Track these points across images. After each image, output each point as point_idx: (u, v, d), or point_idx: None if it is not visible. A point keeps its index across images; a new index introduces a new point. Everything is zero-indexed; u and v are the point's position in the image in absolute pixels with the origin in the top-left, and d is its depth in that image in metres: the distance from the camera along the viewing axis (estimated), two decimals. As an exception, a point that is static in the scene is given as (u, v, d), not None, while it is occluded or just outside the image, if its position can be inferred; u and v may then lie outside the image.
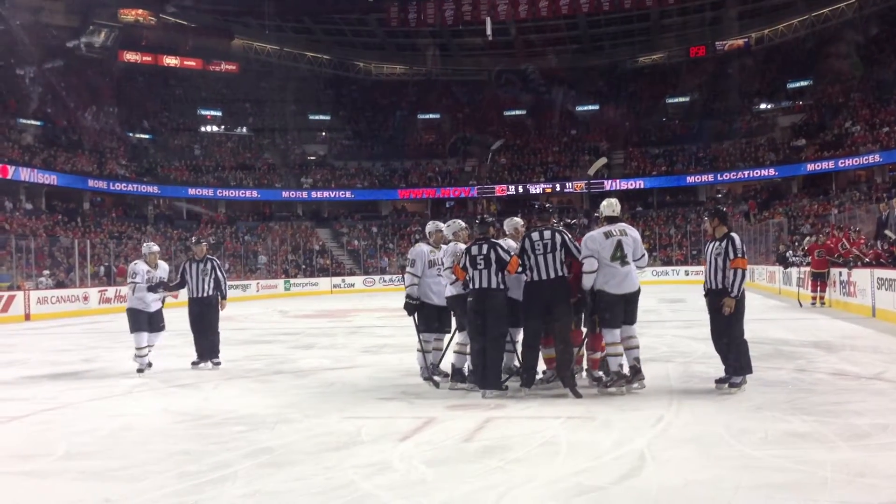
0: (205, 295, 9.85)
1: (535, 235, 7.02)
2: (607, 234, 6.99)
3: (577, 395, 6.80)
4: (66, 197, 40.85)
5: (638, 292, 7.09)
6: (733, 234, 6.99)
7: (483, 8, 46.16)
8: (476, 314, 7.07)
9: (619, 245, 6.95)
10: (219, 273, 9.97)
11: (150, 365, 9.61)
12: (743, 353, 6.87)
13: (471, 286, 7.10)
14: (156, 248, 10.14)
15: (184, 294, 10.35)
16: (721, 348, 7.02)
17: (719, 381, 6.98)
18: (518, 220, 8.08)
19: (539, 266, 6.93)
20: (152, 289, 9.68)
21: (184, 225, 44.04)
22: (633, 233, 7.13)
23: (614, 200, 7.36)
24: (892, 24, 44.47)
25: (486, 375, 6.99)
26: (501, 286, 7.05)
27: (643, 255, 7.12)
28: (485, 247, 7.07)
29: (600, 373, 7.37)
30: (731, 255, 6.83)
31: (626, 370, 7.01)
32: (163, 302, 10.01)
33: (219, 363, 9.77)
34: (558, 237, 6.98)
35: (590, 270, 6.86)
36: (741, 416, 5.83)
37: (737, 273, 6.77)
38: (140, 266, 9.77)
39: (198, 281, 9.84)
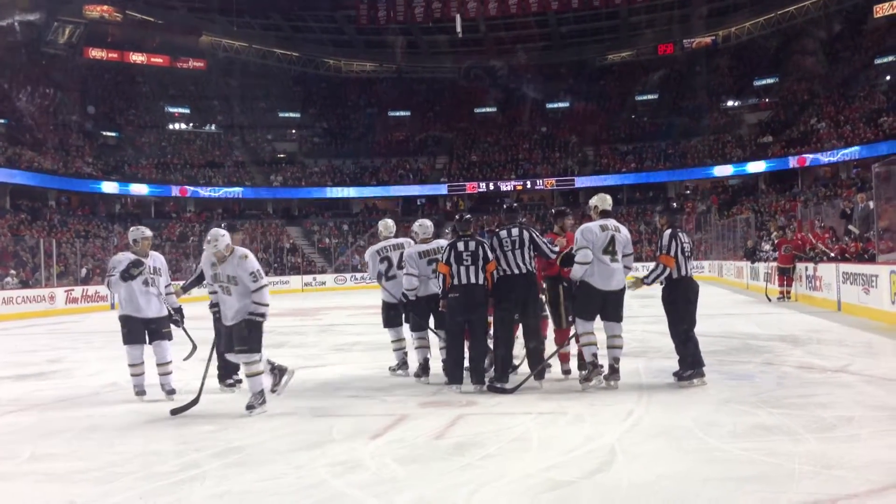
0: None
1: (504, 233, 7.10)
2: (603, 228, 7.01)
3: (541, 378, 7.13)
4: (31, 195, 40.27)
5: (623, 290, 7.12)
6: (666, 231, 7.22)
7: (453, 5, 46.22)
8: (460, 310, 7.11)
9: (613, 240, 6.99)
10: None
11: (143, 393, 7.40)
12: (687, 348, 7.03)
13: (455, 282, 7.10)
14: (148, 232, 7.63)
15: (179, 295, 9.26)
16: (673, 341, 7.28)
17: (674, 374, 7.16)
18: (427, 222, 8.22)
19: (510, 261, 7.01)
20: (126, 273, 7.18)
21: (151, 224, 43.51)
22: (625, 231, 7.19)
23: (607, 196, 7.37)
24: (856, 22, 45.18)
25: (474, 369, 7.13)
26: (484, 282, 7.10)
27: (631, 253, 7.19)
28: (472, 243, 7.13)
29: (569, 366, 7.59)
30: (658, 251, 7.18)
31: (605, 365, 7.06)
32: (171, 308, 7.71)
33: (241, 381, 7.66)
34: (526, 234, 7.07)
35: (584, 262, 6.83)
36: (710, 410, 5.88)
37: (657, 266, 7.12)
38: (122, 256, 7.40)
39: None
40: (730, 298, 20.49)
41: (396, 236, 8.36)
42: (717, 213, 40.75)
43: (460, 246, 7.13)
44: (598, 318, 7.07)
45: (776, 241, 19.55)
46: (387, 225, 8.55)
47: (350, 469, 4.61)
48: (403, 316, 8.18)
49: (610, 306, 7.02)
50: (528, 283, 7.05)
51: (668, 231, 7.19)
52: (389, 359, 8.58)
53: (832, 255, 15.87)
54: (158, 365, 7.33)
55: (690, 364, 7.00)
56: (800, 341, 10.15)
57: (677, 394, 6.65)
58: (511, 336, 7.20)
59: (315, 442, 5.36)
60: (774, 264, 18.95)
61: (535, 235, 7.12)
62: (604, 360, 7.05)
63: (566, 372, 7.59)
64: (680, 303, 7.11)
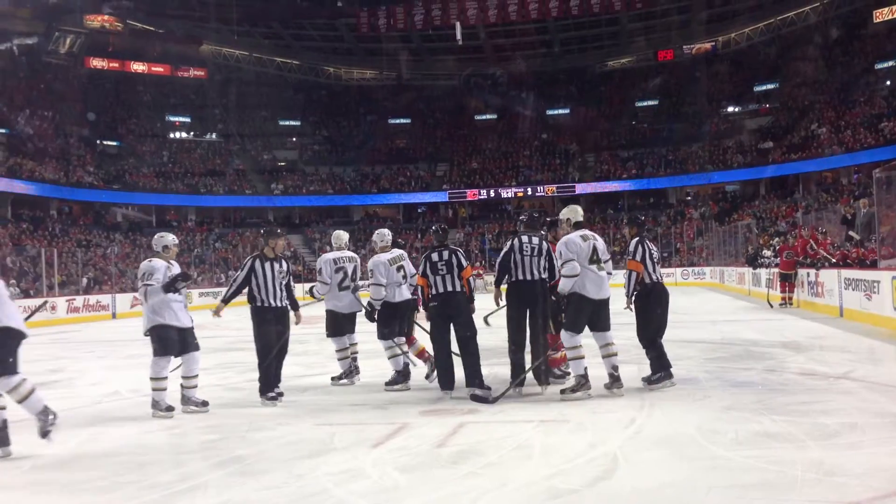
0: (283, 305, 7.51)
1: (525, 239, 7.29)
2: (584, 238, 7.06)
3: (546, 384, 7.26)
4: (33, 205, 40.31)
5: (609, 299, 7.18)
6: (633, 239, 7.48)
7: (453, 12, 46.22)
8: (442, 318, 7.33)
9: (595, 249, 7.05)
10: (290, 278, 7.82)
11: (170, 409, 7.01)
12: (654, 353, 7.29)
13: (433, 291, 7.32)
14: (175, 239, 7.59)
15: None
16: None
17: (643, 379, 7.38)
18: (385, 231, 8.38)
19: (525, 268, 7.15)
20: (171, 286, 7.04)
21: (153, 233, 43.30)
22: (601, 239, 7.29)
23: (578, 207, 7.50)
24: (855, 28, 45.24)
25: (472, 374, 7.24)
26: (463, 289, 7.33)
27: (609, 259, 7.28)
28: (445, 253, 7.37)
29: (560, 370, 7.81)
30: (625, 258, 7.47)
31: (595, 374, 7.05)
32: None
33: (282, 394, 7.51)
34: (545, 245, 7.31)
35: (573, 274, 6.85)
36: (712, 417, 5.87)
37: (628, 274, 7.36)
38: (158, 263, 7.20)
39: (274, 286, 7.40)
40: (731, 305, 20.47)
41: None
42: (717, 219, 40.72)
43: (434, 256, 7.37)
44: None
45: (778, 247, 19.54)
46: (339, 236, 8.73)
47: (351, 478, 4.61)
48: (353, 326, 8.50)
49: (600, 316, 7.06)
50: (540, 290, 7.20)
51: (636, 239, 7.45)
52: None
53: (834, 260, 15.86)
54: (187, 378, 7.15)
55: (664, 366, 7.25)
56: (802, 348, 10.14)
57: (679, 401, 6.64)
58: (522, 340, 7.28)
59: (316, 450, 5.36)
60: (776, 270, 18.93)
61: (551, 249, 7.36)
62: (597, 370, 7.06)
63: (559, 377, 7.77)
64: (650, 308, 7.33)
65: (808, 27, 46.76)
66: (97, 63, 49.86)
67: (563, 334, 6.98)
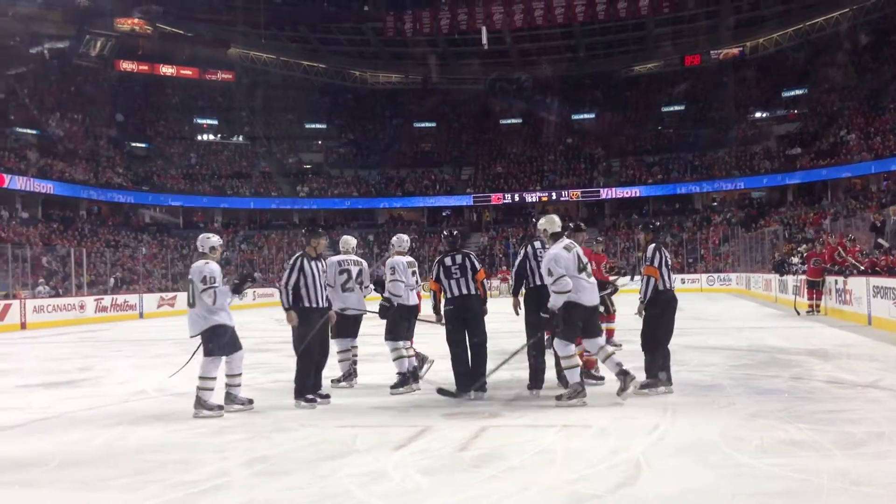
0: (326, 305, 7.49)
1: (538, 245, 7.35)
2: (567, 249, 6.95)
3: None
4: (63, 206, 40.87)
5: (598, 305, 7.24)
6: (651, 245, 7.44)
7: (478, 17, 46.29)
8: (458, 321, 7.40)
9: (578, 257, 6.97)
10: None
11: (220, 407, 6.99)
12: (655, 358, 7.28)
13: (448, 295, 7.43)
14: (220, 240, 7.41)
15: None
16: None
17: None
18: (405, 236, 8.48)
19: (542, 273, 7.10)
20: (240, 288, 7.10)
21: (180, 234, 44.03)
22: (578, 246, 7.19)
23: (555, 217, 7.34)
24: (885, 33, 44.71)
25: (474, 375, 7.31)
26: (477, 292, 7.43)
27: (588, 262, 7.22)
28: (458, 257, 7.47)
29: (594, 370, 7.87)
30: (643, 263, 7.38)
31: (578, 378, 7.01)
32: None
33: (327, 396, 7.54)
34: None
35: (565, 290, 6.72)
36: (737, 425, 5.82)
37: (646, 280, 7.31)
38: (215, 265, 7.07)
39: (320, 285, 7.37)
40: (758, 312, 20.29)
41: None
42: (743, 225, 40.37)
43: (447, 261, 7.47)
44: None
45: (805, 254, 19.36)
46: (346, 241, 8.86)
47: (374, 479, 4.62)
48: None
49: (591, 322, 7.01)
50: None
51: (653, 245, 7.42)
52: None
53: (862, 268, 15.68)
54: (231, 376, 7.09)
55: (658, 372, 7.25)
56: (829, 356, 10.03)
57: (704, 408, 6.59)
58: (542, 344, 7.31)
59: (339, 452, 5.38)
60: (803, 277, 18.75)
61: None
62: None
63: (594, 378, 7.83)
64: (662, 315, 7.30)
65: (838, 32, 46.30)
66: (127, 66, 50.51)
67: (557, 343, 6.87)
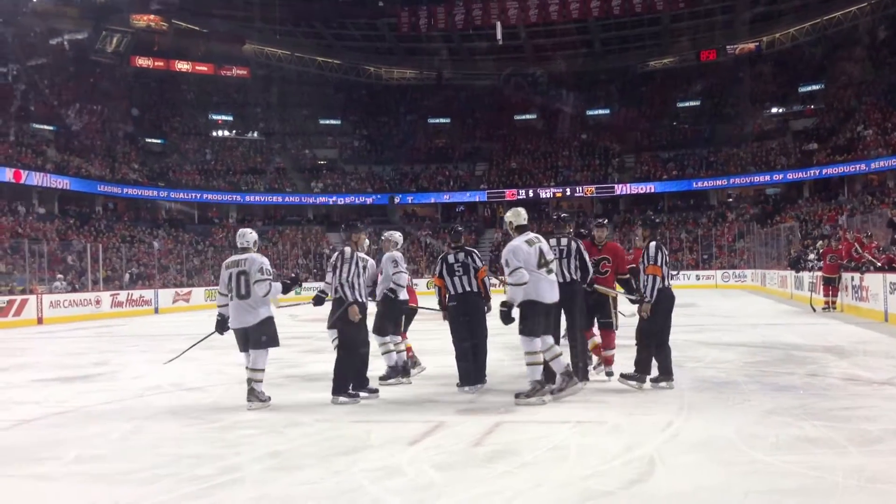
0: (367, 300, 7.47)
1: (553, 242, 7.37)
2: (530, 243, 6.86)
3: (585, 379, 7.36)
4: (79, 201, 41.14)
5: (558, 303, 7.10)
6: (651, 244, 7.33)
7: (493, 12, 46.15)
8: (461, 317, 7.56)
9: (541, 252, 6.86)
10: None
11: (269, 398, 7.13)
12: (659, 355, 7.24)
13: (451, 292, 7.58)
14: (257, 235, 7.53)
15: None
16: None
17: (622, 375, 7.43)
18: (398, 233, 8.67)
19: (557, 269, 7.17)
20: (288, 288, 7.33)
21: (195, 229, 44.25)
22: (545, 241, 7.07)
23: (521, 209, 7.24)
24: (905, 28, 44.28)
25: (476, 369, 7.53)
26: (479, 289, 7.58)
27: (554, 259, 7.06)
28: (461, 254, 7.62)
29: (611, 368, 7.89)
30: (645, 262, 7.23)
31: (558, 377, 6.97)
32: None
33: (376, 391, 7.52)
34: (574, 245, 7.44)
35: (521, 283, 6.63)
36: (751, 421, 5.80)
37: (651, 279, 7.18)
38: (265, 259, 7.20)
39: (362, 281, 7.34)
40: (773, 308, 20.18)
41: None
42: (759, 221, 40.11)
43: (450, 258, 7.63)
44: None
45: (821, 250, 19.23)
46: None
47: (387, 475, 4.63)
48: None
49: (551, 320, 6.94)
50: (571, 291, 7.24)
51: (654, 243, 7.34)
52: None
53: (879, 264, 15.56)
54: (254, 370, 7.10)
55: (662, 371, 7.25)
56: (845, 352, 9.97)
57: (718, 405, 6.57)
58: (557, 341, 7.27)
59: (353, 447, 5.40)
60: (819, 274, 18.63)
61: (581, 247, 7.48)
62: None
63: (609, 374, 7.87)
64: (661, 312, 7.25)
65: (855, 27, 45.88)
66: (143, 62, 50.73)
67: (521, 339, 6.78)
